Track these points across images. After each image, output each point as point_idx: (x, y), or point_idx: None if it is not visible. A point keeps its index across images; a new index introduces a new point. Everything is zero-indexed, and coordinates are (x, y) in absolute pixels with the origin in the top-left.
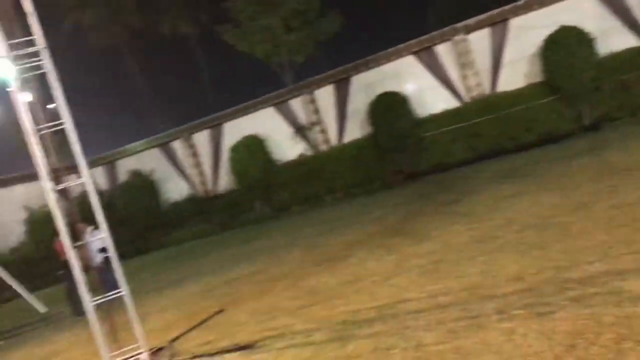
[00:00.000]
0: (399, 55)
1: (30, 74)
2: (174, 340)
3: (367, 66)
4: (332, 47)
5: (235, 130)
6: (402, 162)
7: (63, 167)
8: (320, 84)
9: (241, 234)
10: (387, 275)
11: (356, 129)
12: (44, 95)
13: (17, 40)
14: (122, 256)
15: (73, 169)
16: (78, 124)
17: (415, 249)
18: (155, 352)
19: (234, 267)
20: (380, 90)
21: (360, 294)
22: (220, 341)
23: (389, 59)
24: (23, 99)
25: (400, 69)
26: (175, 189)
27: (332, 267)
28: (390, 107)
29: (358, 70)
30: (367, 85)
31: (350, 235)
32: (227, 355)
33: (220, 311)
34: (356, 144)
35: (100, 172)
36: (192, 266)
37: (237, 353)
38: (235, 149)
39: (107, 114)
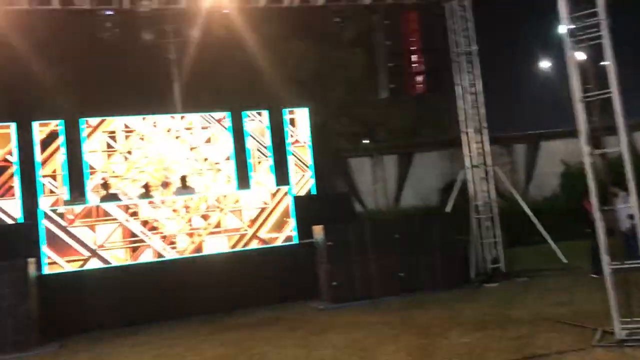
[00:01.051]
0: None
1: (586, 44)
2: None
3: None
4: None
5: None
6: None
7: (602, 128)
8: None
9: None
10: None
11: None
12: (595, 55)
13: (579, 14)
14: None
15: (612, 129)
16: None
17: None
18: None
19: None
20: None
21: None
22: None
23: None
24: (575, 62)
25: None
26: None
27: None
28: None
29: None
30: None
31: None
32: None
33: None
34: None
35: None
36: None
37: None
38: None
39: None
